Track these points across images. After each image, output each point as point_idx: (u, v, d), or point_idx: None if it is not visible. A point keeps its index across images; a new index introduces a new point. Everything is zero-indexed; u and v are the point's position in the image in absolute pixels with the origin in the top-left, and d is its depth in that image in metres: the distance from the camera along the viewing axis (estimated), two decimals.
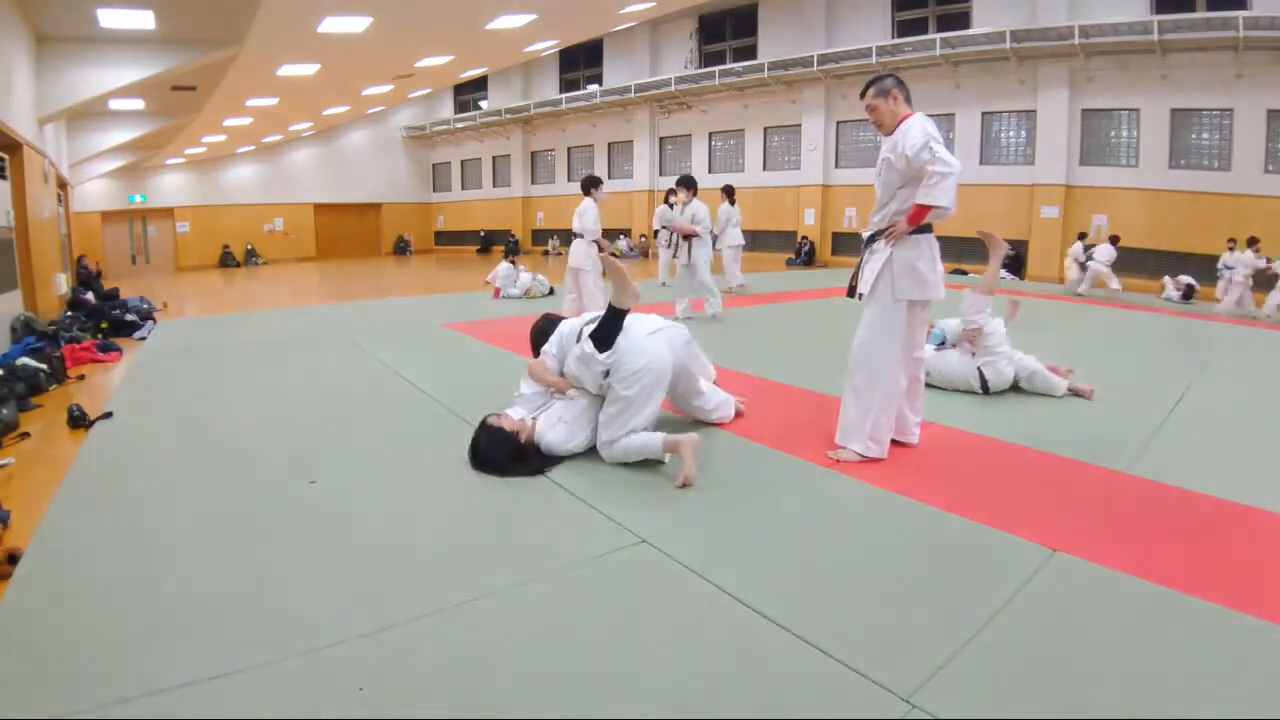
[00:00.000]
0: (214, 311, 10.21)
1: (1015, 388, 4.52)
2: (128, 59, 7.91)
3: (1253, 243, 10.00)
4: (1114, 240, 11.24)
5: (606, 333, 3.20)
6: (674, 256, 7.83)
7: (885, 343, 3.27)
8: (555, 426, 3.31)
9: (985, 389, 4.46)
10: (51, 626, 2.03)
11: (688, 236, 7.35)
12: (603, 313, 3.38)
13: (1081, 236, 11.95)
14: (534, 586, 2.24)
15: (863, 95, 3.33)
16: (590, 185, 6.97)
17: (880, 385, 3.25)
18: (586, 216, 6.92)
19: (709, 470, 3.19)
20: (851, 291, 3.44)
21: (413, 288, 13.36)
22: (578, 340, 3.32)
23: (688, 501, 2.90)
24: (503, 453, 3.19)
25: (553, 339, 3.54)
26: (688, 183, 7.67)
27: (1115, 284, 10.86)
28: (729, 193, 10.55)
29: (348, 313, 8.91)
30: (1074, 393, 4.45)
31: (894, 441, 3.42)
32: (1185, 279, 10.82)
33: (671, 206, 10.78)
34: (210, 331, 7.70)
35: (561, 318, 3.76)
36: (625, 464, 3.24)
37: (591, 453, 3.37)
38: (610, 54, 20.73)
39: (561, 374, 3.48)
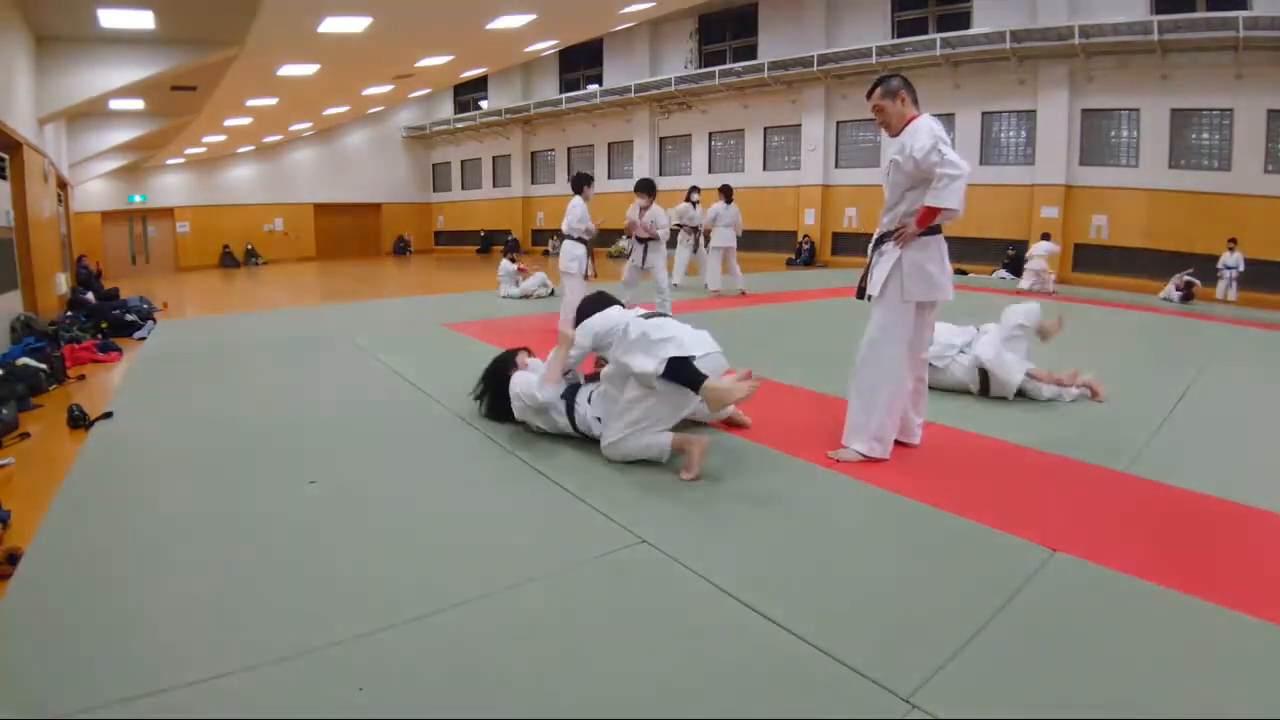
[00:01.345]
0: (214, 311, 10.22)
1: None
2: (128, 59, 7.91)
3: None
4: (1045, 236, 12.22)
5: (688, 376, 3.03)
6: (628, 258, 7.68)
7: (892, 343, 3.27)
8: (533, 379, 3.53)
9: (985, 391, 4.45)
10: (51, 626, 2.03)
11: (644, 240, 7.38)
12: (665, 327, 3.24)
13: (1045, 236, 12.24)
14: (534, 586, 2.24)
15: (869, 95, 3.33)
16: (581, 183, 6.80)
17: (886, 385, 3.25)
18: (571, 215, 6.71)
19: (710, 469, 3.19)
20: (861, 293, 3.44)
21: (413, 288, 13.36)
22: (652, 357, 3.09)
23: (688, 502, 2.90)
24: (493, 370, 3.81)
25: (600, 324, 3.36)
26: (647, 187, 7.62)
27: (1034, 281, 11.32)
28: (726, 192, 10.39)
29: (348, 313, 8.91)
30: (1086, 387, 4.41)
31: (896, 442, 3.42)
32: (1186, 277, 10.81)
33: (694, 205, 10.87)
34: (210, 331, 7.70)
35: (613, 300, 3.66)
36: (626, 463, 3.24)
37: (592, 452, 3.37)
38: (610, 54, 20.73)
39: (596, 361, 3.63)
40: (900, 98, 3.23)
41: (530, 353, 3.79)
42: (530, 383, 3.53)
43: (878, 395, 3.26)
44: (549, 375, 3.49)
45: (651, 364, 3.04)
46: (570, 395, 3.52)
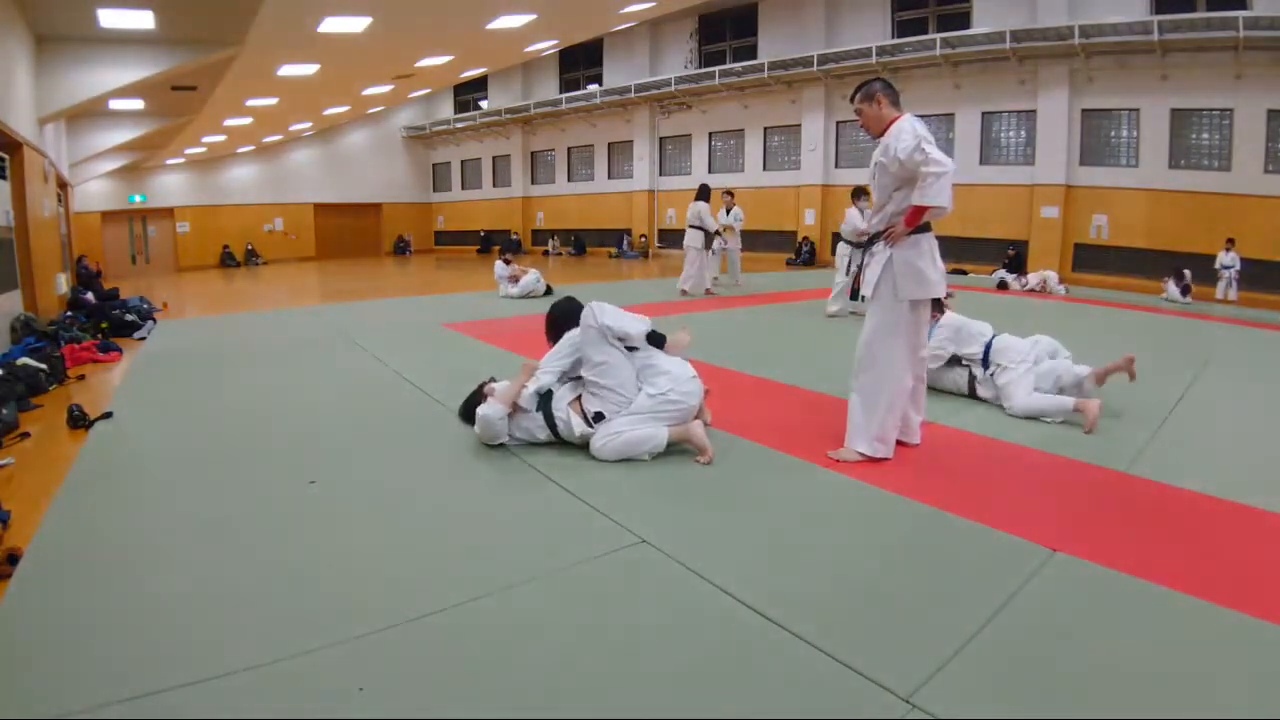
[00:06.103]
0: (214, 311, 10.21)
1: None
2: (128, 59, 7.91)
3: None
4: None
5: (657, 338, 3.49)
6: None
7: (890, 343, 3.27)
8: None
9: (972, 393, 4.41)
10: (51, 626, 2.03)
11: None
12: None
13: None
14: (534, 586, 2.24)
15: (851, 101, 3.38)
16: (860, 194, 7.96)
17: (886, 386, 3.25)
18: (854, 220, 7.75)
19: (710, 469, 3.20)
20: (855, 294, 3.46)
21: (413, 288, 13.35)
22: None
23: (688, 501, 2.90)
24: (467, 406, 3.74)
25: (577, 335, 3.45)
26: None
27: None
28: None
29: (348, 313, 8.91)
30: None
31: (897, 441, 3.41)
32: (1180, 272, 10.85)
33: (728, 211, 10.92)
34: (210, 332, 7.70)
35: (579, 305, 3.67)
36: (624, 463, 3.24)
37: (589, 453, 3.37)
38: (610, 54, 20.72)
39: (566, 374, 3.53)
40: (879, 101, 3.26)
41: (494, 379, 3.78)
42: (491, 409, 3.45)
43: (879, 395, 3.26)
44: (504, 395, 3.45)
45: (642, 325, 3.44)
46: (546, 404, 3.46)
